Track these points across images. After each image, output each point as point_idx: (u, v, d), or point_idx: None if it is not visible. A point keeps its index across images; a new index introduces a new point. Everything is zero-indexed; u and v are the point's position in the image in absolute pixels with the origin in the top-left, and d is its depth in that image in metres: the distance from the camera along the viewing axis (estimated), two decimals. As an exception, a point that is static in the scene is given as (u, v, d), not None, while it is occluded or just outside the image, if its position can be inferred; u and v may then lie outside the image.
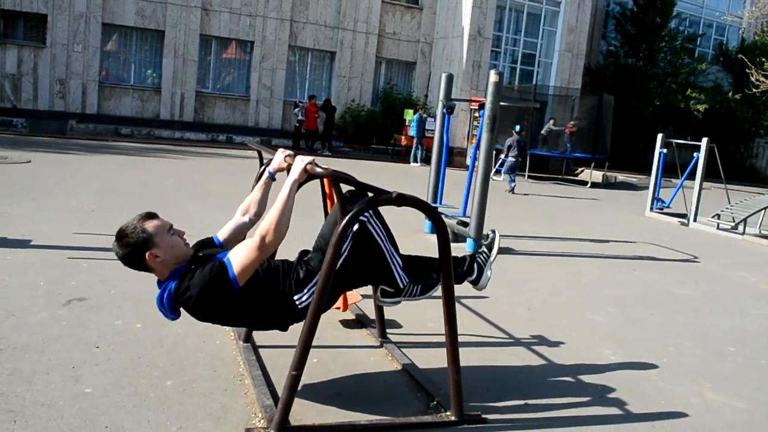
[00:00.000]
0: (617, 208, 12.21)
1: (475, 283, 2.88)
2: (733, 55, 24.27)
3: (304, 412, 2.52)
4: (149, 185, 8.61)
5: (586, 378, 3.21)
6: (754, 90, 19.16)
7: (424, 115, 17.11)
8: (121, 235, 2.35)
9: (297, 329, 2.41)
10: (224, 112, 18.48)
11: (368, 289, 3.64)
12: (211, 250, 2.52)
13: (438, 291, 2.72)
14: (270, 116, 18.86)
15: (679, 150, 12.71)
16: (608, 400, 2.97)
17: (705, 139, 10.35)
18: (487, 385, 2.99)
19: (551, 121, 17.69)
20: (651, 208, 11.19)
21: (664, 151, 11.12)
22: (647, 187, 12.33)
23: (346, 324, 3.67)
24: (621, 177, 18.79)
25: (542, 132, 17.50)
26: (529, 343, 3.66)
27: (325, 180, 3.14)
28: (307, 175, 2.39)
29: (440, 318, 2.58)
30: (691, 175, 10.66)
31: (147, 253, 2.34)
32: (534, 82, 19.38)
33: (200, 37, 17.73)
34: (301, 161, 2.39)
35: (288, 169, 2.51)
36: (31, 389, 2.50)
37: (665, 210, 11.21)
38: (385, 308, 3.41)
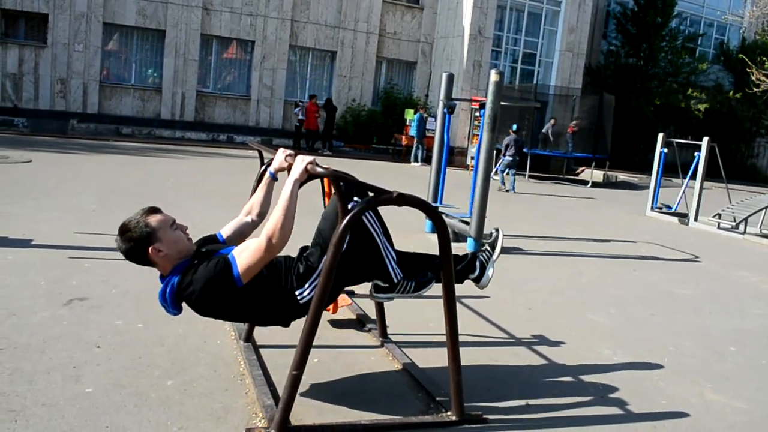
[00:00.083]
0: (618, 207, 12.21)
1: (477, 280, 2.88)
2: (734, 55, 24.25)
3: (304, 411, 2.52)
4: (150, 185, 8.61)
5: (587, 378, 3.21)
6: (754, 89, 19.14)
7: (425, 115, 17.11)
8: (124, 230, 2.36)
9: (298, 329, 2.41)
10: (225, 112, 18.49)
11: (363, 290, 3.65)
12: (213, 246, 2.53)
13: (431, 290, 2.72)
14: (271, 116, 18.86)
15: (680, 150, 12.70)
16: (609, 400, 2.97)
17: (706, 139, 10.35)
18: (487, 385, 2.99)
19: (552, 122, 17.69)
20: (652, 208, 11.18)
21: (665, 150, 11.11)
22: (648, 187, 12.33)
23: (347, 324, 3.67)
24: (622, 177, 18.79)
25: (543, 131, 17.49)
26: (530, 343, 3.66)
27: (325, 179, 3.14)
28: (308, 175, 2.39)
29: (441, 318, 2.58)
30: (692, 175, 10.66)
31: (150, 248, 2.34)
32: (535, 82, 19.37)
33: (201, 36, 17.73)
34: (301, 161, 2.39)
35: (289, 168, 2.51)
36: (32, 389, 2.50)
37: (666, 210, 11.20)
38: (385, 308, 3.41)
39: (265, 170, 2.82)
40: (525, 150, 15.74)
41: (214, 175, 10.58)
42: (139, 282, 4.03)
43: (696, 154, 10.52)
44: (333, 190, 2.69)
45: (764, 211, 9.59)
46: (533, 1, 19.39)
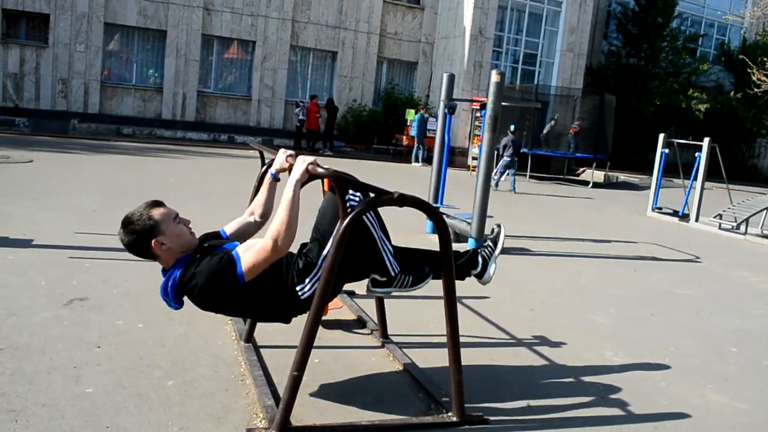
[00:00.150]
0: (618, 208, 12.20)
1: (480, 276, 2.87)
2: (735, 55, 24.24)
3: (305, 412, 2.52)
4: (150, 185, 8.61)
5: (588, 379, 3.20)
6: (755, 90, 19.15)
7: (426, 115, 17.11)
8: (128, 222, 2.37)
9: (298, 329, 2.41)
10: (226, 112, 18.49)
11: (363, 291, 3.65)
12: (216, 242, 2.53)
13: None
14: (271, 116, 18.87)
15: (681, 150, 12.70)
16: (610, 400, 2.96)
17: (707, 139, 10.34)
18: (488, 385, 2.99)
19: (552, 122, 17.70)
20: (653, 209, 11.17)
21: (666, 151, 11.10)
22: (649, 187, 12.32)
23: (348, 324, 3.67)
24: (622, 177, 18.79)
25: (544, 133, 17.51)
26: (531, 344, 3.66)
27: (326, 180, 3.13)
28: (309, 175, 2.39)
29: (442, 318, 2.58)
30: (696, 177, 10.64)
31: (153, 241, 2.35)
32: (535, 82, 19.38)
33: (202, 36, 17.75)
34: (302, 161, 2.39)
35: (290, 169, 2.51)
36: (32, 389, 2.50)
37: (665, 210, 11.19)
38: (386, 309, 3.41)
39: (266, 171, 2.82)
40: (525, 150, 15.76)
41: (214, 175, 10.59)
42: (139, 282, 4.04)
43: (697, 154, 10.52)
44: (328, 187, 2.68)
45: (765, 211, 9.58)
46: (534, 1, 19.39)
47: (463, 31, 18.68)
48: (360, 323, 3.68)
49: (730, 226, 9.72)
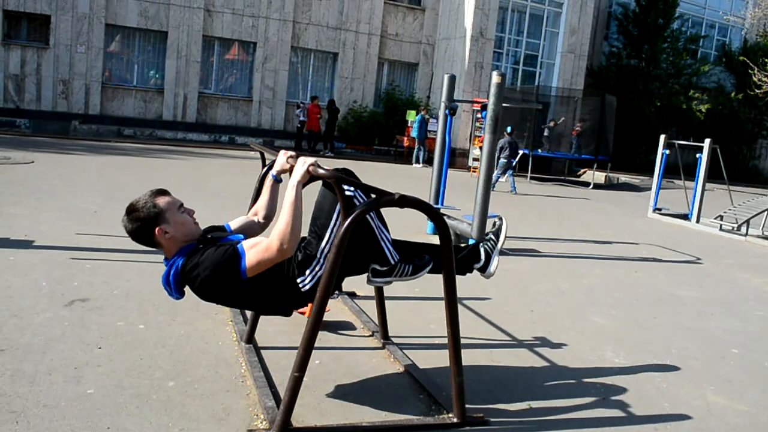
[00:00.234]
0: (619, 209, 12.20)
1: (483, 270, 2.86)
2: (736, 56, 24.24)
3: (306, 413, 2.52)
4: (151, 186, 8.56)
5: (590, 380, 3.20)
6: (756, 91, 19.15)
7: (427, 117, 17.11)
8: (132, 209, 2.37)
9: (299, 330, 2.41)
10: (227, 113, 18.51)
11: (364, 291, 3.65)
12: (220, 233, 2.54)
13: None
14: (272, 117, 18.88)
15: (682, 151, 12.70)
16: (611, 402, 2.96)
17: (708, 140, 10.34)
18: (489, 387, 2.98)
19: (552, 122, 17.71)
20: (653, 210, 11.17)
21: (667, 152, 11.10)
22: (650, 188, 12.31)
23: (349, 326, 3.67)
24: (623, 178, 18.78)
25: (545, 135, 17.52)
26: (532, 345, 3.66)
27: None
28: (310, 176, 2.39)
29: (442, 319, 2.57)
30: (694, 177, 10.64)
31: (156, 229, 2.35)
32: (536, 84, 19.38)
33: (203, 38, 17.76)
34: (303, 162, 2.39)
35: (290, 170, 2.51)
36: (33, 390, 2.50)
37: (664, 211, 11.18)
38: (387, 310, 3.41)
39: (266, 172, 2.82)
40: (526, 152, 15.76)
41: (215, 177, 10.59)
42: (140, 283, 4.04)
43: (698, 155, 10.51)
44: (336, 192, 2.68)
45: (766, 212, 9.57)
46: (535, 2, 19.40)
47: (464, 33, 18.68)
48: (361, 325, 3.68)
49: (731, 228, 9.71)
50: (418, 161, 16.71)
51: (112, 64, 17.47)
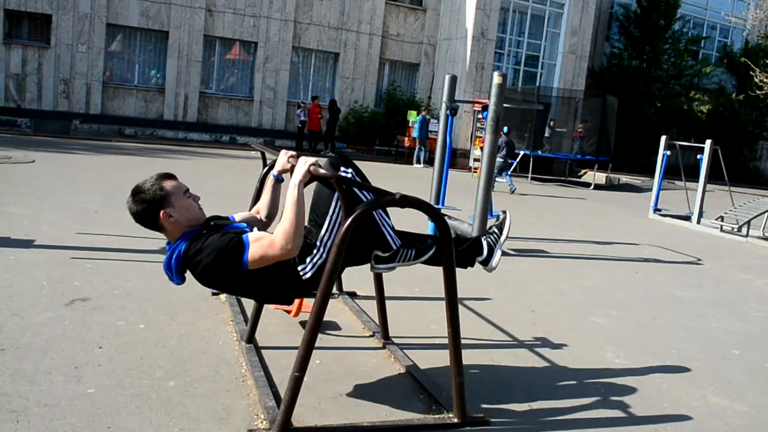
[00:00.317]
0: (620, 210, 12.19)
1: (485, 263, 2.84)
2: (737, 57, 24.23)
3: (306, 413, 2.52)
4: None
5: (590, 381, 3.20)
6: (757, 92, 19.14)
7: (428, 117, 17.12)
8: (138, 191, 2.38)
9: (299, 330, 2.41)
10: (228, 113, 18.51)
11: (364, 292, 3.66)
12: (224, 221, 2.54)
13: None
14: (273, 117, 18.88)
15: (683, 152, 12.69)
16: (612, 403, 2.96)
17: (708, 142, 10.33)
18: (490, 387, 2.98)
19: (551, 122, 17.71)
20: (654, 210, 11.16)
21: (668, 153, 11.10)
22: (650, 189, 12.31)
23: (349, 326, 3.67)
24: (624, 179, 18.78)
25: (546, 135, 17.52)
26: (533, 346, 3.66)
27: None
28: (311, 176, 2.39)
29: (442, 319, 2.58)
30: (695, 177, 10.64)
31: (161, 212, 2.36)
32: (537, 84, 19.38)
33: (204, 37, 17.77)
34: (304, 162, 2.39)
35: (291, 170, 2.52)
36: (33, 389, 2.50)
37: (665, 212, 11.17)
38: (387, 311, 3.41)
39: (268, 172, 2.82)
40: (527, 152, 15.76)
41: (216, 176, 10.59)
42: (141, 283, 4.04)
43: (699, 156, 10.51)
44: (337, 192, 2.68)
45: (767, 214, 9.57)
46: (536, 3, 19.40)
47: (465, 33, 18.68)
48: (361, 325, 3.68)
49: (732, 229, 9.70)
50: (419, 161, 16.72)
51: (113, 63, 17.48)
